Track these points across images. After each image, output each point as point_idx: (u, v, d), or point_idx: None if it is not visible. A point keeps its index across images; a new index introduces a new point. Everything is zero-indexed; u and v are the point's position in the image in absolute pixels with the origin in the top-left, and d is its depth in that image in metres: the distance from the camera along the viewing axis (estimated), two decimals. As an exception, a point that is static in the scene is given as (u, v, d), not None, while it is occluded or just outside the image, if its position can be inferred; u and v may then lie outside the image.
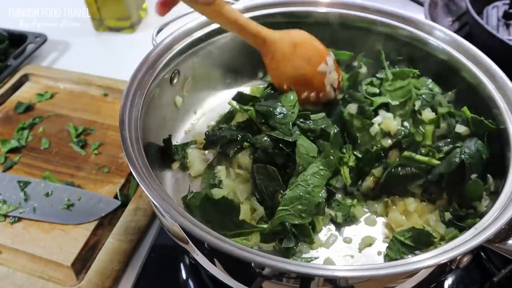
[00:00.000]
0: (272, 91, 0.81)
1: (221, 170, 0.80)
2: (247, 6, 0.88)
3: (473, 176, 0.70)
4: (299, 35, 0.76)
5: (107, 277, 0.77)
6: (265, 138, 0.74)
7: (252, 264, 0.54)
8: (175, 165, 0.84)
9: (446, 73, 0.84)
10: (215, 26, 0.87)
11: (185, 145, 0.86)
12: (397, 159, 0.76)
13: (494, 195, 0.68)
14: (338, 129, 0.77)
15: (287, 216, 0.67)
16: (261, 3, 0.89)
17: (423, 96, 0.81)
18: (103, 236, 0.83)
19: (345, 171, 0.75)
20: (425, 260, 0.52)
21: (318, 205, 0.69)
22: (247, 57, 0.95)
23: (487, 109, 0.75)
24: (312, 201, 0.68)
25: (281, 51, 0.73)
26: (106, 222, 0.85)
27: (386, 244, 0.71)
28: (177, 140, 0.89)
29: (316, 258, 0.70)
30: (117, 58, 1.31)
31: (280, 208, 0.67)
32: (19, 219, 0.85)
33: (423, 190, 0.76)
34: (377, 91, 0.85)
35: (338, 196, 0.76)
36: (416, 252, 0.68)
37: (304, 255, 0.70)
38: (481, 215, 0.62)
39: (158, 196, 0.58)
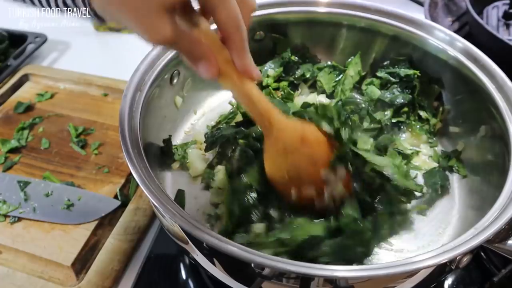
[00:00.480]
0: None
1: (221, 170, 0.80)
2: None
3: None
4: (313, 131, 0.65)
5: (107, 277, 0.77)
6: (259, 129, 0.75)
7: (252, 265, 0.54)
8: (175, 165, 0.84)
9: (446, 73, 0.84)
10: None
11: (185, 145, 0.86)
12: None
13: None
14: None
15: None
16: (260, 3, 0.89)
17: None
18: (103, 236, 0.83)
19: None
20: (425, 260, 0.52)
21: None
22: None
23: (487, 109, 0.75)
24: None
25: (286, 140, 0.62)
26: (106, 222, 0.85)
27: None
28: (177, 140, 0.89)
29: None
30: (117, 58, 1.31)
31: None
32: (19, 219, 0.85)
33: None
34: (378, 92, 0.86)
35: None
36: None
37: None
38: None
39: (157, 197, 0.58)
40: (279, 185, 0.66)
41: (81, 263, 0.79)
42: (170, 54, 0.80)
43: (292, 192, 0.64)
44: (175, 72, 0.84)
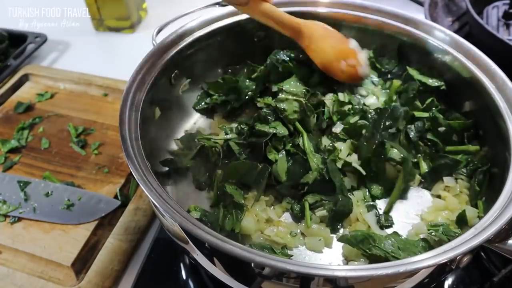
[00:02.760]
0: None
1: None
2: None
3: None
4: (320, 22, 0.84)
5: (107, 277, 0.77)
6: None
7: (252, 264, 0.54)
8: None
9: (446, 73, 0.84)
10: (215, 26, 0.87)
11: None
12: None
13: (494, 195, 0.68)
14: None
15: None
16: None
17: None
18: (103, 236, 0.83)
19: None
20: (425, 260, 0.52)
21: None
22: (247, 57, 0.95)
23: (487, 109, 0.75)
24: None
25: (318, 32, 0.81)
26: (106, 222, 0.85)
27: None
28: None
29: None
30: (117, 58, 1.31)
31: None
32: (19, 219, 0.85)
33: None
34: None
35: None
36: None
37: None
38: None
39: (158, 196, 0.58)
40: (332, 67, 0.82)
41: (81, 263, 0.79)
42: (170, 54, 0.80)
43: (342, 67, 0.81)
44: (175, 72, 0.84)
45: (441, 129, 0.81)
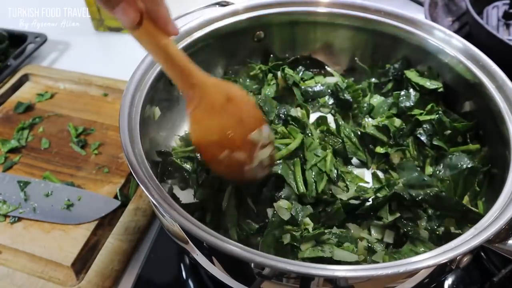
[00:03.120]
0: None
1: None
2: (247, 6, 0.88)
3: None
4: (237, 90, 0.63)
5: (107, 277, 0.77)
6: None
7: (252, 264, 0.54)
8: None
9: (446, 73, 0.84)
10: (215, 26, 0.86)
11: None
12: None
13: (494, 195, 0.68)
14: None
15: None
16: (261, 3, 0.89)
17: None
18: (103, 236, 0.83)
19: None
20: (425, 260, 0.52)
21: None
22: (247, 57, 0.95)
23: (487, 109, 0.75)
24: None
25: (211, 99, 0.59)
26: (106, 222, 0.85)
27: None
28: (177, 140, 0.89)
29: None
30: (117, 58, 1.31)
31: None
32: (19, 219, 0.85)
33: None
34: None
35: None
36: None
37: None
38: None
39: (157, 196, 0.58)
40: (208, 151, 0.62)
41: (81, 263, 0.79)
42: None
43: (221, 157, 0.60)
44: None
45: (447, 132, 0.80)
